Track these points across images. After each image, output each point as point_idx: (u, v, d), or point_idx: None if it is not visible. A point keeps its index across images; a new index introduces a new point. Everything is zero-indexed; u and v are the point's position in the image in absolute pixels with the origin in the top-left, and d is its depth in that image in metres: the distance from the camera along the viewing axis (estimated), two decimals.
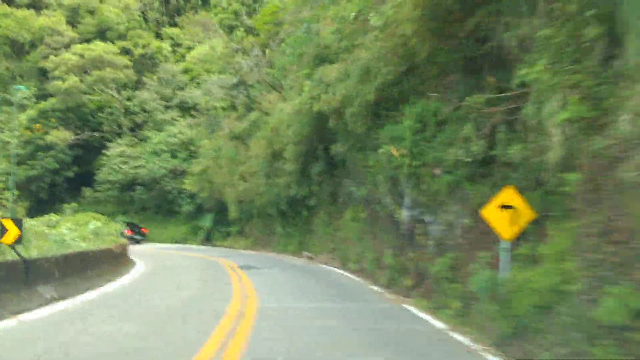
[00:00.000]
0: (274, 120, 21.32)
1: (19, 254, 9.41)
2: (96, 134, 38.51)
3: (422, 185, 10.11)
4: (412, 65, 10.82)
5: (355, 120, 12.85)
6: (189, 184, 31.25)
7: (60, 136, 36.58)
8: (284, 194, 20.84)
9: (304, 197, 19.82)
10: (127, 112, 39.27)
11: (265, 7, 30.30)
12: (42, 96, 40.25)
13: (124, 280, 13.43)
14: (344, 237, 16.81)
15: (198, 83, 36.25)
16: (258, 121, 25.44)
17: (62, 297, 9.32)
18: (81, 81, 37.01)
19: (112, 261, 15.15)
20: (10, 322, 7.34)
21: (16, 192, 28.49)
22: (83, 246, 15.05)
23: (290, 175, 19.66)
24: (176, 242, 33.03)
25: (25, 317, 7.71)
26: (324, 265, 17.70)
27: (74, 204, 39.84)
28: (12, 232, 9.68)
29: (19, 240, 9.84)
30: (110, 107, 39.73)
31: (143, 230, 33.95)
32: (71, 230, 20.52)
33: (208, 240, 31.76)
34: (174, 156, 34.33)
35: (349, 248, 16.11)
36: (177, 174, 33.40)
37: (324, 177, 18.51)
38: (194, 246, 30.80)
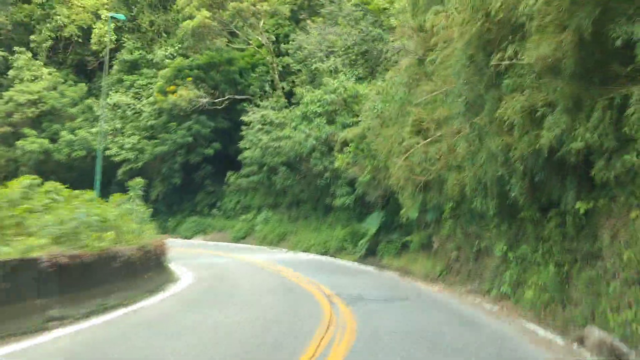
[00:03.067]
0: None
1: None
2: (244, 102, 29.25)
3: None
4: None
5: None
6: (341, 160, 19.77)
7: (190, 96, 28.21)
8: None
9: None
10: (281, 66, 29.38)
11: None
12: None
13: None
14: None
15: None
16: None
17: None
18: (212, 18, 28.12)
19: None
20: None
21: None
22: None
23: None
24: (325, 253, 21.92)
25: None
26: None
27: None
28: None
29: None
30: (262, 60, 30.25)
31: None
32: None
33: (371, 254, 19.83)
34: (330, 121, 23.09)
35: None
36: (331, 148, 22.05)
37: None
38: (340, 261, 19.54)
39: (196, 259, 19.63)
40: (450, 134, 12.20)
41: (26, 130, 31.46)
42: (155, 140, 30.60)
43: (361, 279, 15.12)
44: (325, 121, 23.14)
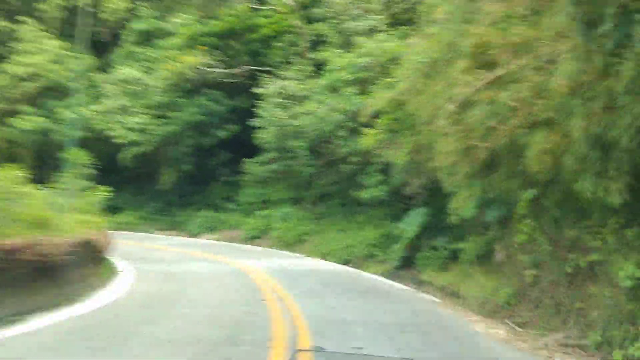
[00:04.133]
0: None
1: None
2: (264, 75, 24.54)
3: None
4: None
5: None
6: (370, 137, 14.72)
7: (198, 63, 23.78)
8: None
9: None
10: (311, 34, 24.53)
11: None
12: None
13: None
14: None
15: None
16: None
17: None
18: None
19: None
20: None
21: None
22: None
23: None
24: (348, 261, 16.98)
25: None
26: None
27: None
28: None
29: None
30: (290, 27, 25.50)
31: None
32: None
33: (407, 265, 14.73)
34: (362, 92, 18.08)
35: None
36: (362, 124, 16.98)
37: None
38: (365, 274, 14.44)
39: (170, 265, 15.22)
40: (536, 65, 7.08)
41: (24, 108, 27.99)
42: (163, 120, 26.41)
43: (381, 310, 10.04)
44: (356, 92, 18.18)
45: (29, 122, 27.30)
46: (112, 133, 27.25)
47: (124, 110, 27.87)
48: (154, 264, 15.13)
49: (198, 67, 24.04)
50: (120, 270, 13.48)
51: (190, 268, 14.48)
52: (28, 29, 30.48)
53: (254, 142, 24.63)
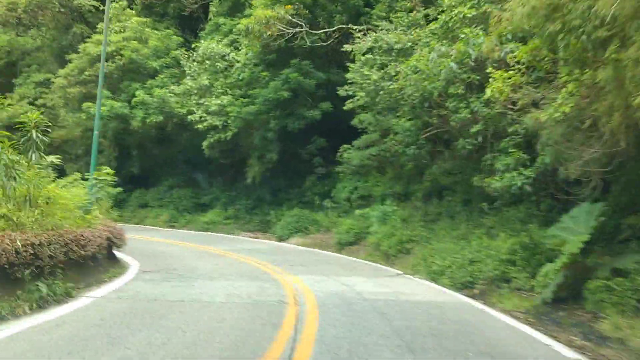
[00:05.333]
0: None
1: None
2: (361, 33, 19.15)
3: None
4: None
5: None
6: (498, 81, 8.78)
7: (271, 18, 18.92)
8: None
9: None
10: None
11: None
12: None
13: None
14: None
15: None
16: None
17: None
18: None
19: None
20: None
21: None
22: None
23: None
24: (471, 286, 11.11)
25: None
26: None
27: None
28: None
29: None
30: None
31: None
32: None
33: (568, 299, 8.63)
34: (486, 31, 12.05)
35: None
36: (487, 77, 11.03)
37: None
38: (495, 313, 8.49)
39: (198, 281, 10.49)
40: None
41: (103, 91, 25.34)
42: (245, 100, 22.14)
43: None
44: (478, 31, 12.20)
45: (104, 106, 24.49)
46: (192, 118, 23.60)
47: (205, 90, 24.11)
48: (176, 280, 10.50)
49: (283, 27, 19.28)
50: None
51: (215, 290, 9.59)
52: (113, 5, 28.02)
53: (350, 123, 19.50)
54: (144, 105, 24.49)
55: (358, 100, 15.25)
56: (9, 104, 29.79)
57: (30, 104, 29.51)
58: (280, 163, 23.83)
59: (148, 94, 24.61)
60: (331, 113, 21.60)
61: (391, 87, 13.98)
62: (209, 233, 24.41)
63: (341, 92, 16.66)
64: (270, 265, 13.81)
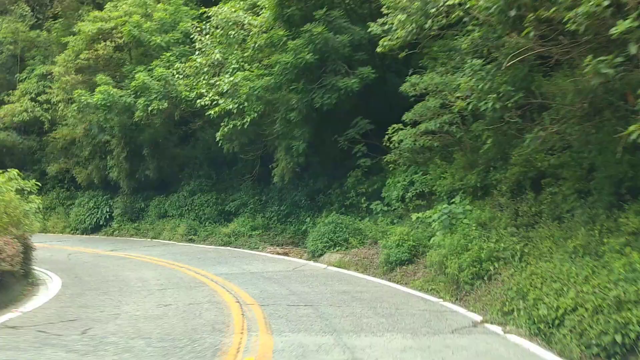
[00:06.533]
0: None
1: None
2: None
3: None
4: None
5: None
6: None
7: None
8: None
9: None
10: None
11: None
12: None
13: None
14: None
15: None
16: None
17: None
18: None
19: None
20: None
21: None
22: None
23: None
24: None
25: None
26: None
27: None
28: None
29: None
30: None
31: None
32: None
33: None
34: None
35: None
36: None
37: None
38: None
39: None
40: None
41: (99, 77, 21.00)
42: (260, 72, 16.98)
43: None
44: None
45: (99, 94, 20.01)
46: (200, 102, 18.76)
47: (217, 67, 19.23)
48: None
49: None
50: None
51: None
52: None
53: (399, 92, 13.98)
54: (145, 90, 19.86)
55: (397, 31, 9.59)
56: (9, 102, 26.35)
57: (33, 99, 25.84)
58: (312, 155, 18.50)
59: (151, 77, 19.97)
60: (375, 84, 16.06)
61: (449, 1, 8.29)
62: (228, 248, 19.40)
63: (374, 27, 11.11)
64: (252, 310, 8.52)
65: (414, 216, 13.73)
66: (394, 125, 14.65)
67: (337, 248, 15.75)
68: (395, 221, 15.75)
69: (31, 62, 27.34)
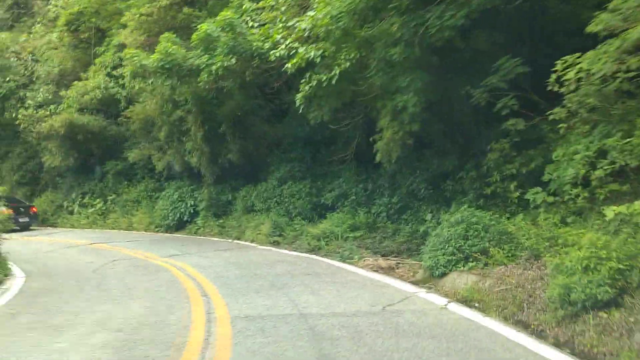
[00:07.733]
0: None
1: None
2: None
3: None
4: None
5: None
6: None
7: None
8: None
9: None
10: None
11: None
12: None
13: None
14: None
15: None
16: None
17: None
18: None
19: None
20: None
21: None
22: None
23: None
24: None
25: None
26: None
27: None
28: None
29: None
30: None
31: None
32: None
33: None
34: None
35: None
36: None
37: None
38: None
39: None
40: None
41: (162, 37, 16.68)
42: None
43: None
44: None
45: (157, 54, 15.56)
46: (274, 54, 13.64)
47: (297, 7, 13.99)
48: None
49: None
50: None
51: None
52: None
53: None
54: (210, 44, 15.12)
55: None
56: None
57: (108, 75, 22.53)
58: (433, 120, 12.49)
59: (217, 26, 15.18)
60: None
61: None
62: (313, 257, 14.00)
63: None
64: None
65: (608, 212, 7.46)
66: (566, 58, 8.41)
67: (469, 264, 9.64)
68: (570, 220, 9.31)
69: (110, 33, 24.26)
